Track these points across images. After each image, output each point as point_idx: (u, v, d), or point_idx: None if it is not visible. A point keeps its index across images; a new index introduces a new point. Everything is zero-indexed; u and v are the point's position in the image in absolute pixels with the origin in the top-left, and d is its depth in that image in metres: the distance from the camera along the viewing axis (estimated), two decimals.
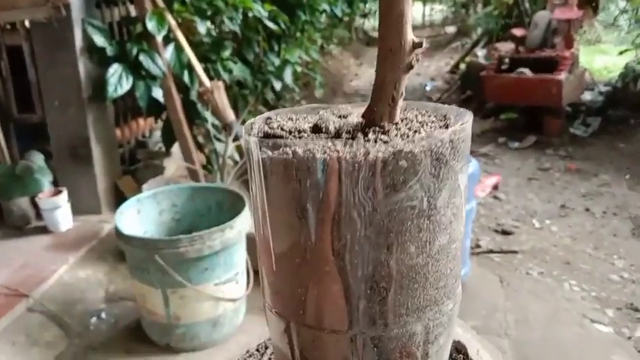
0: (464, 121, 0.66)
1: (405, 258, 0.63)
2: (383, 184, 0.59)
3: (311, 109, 0.79)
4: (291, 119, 0.73)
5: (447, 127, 0.66)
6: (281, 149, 0.61)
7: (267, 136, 0.67)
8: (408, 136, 0.61)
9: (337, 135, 0.64)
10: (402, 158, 0.58)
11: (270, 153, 0.61)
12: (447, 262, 0.67)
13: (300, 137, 0.66)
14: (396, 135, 0.62)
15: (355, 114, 0.72)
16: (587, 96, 6.34)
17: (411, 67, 0.63)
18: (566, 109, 5.74)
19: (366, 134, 0.62)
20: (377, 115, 0.65)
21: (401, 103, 0.66)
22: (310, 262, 0.64)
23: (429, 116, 0.71)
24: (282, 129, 0.68)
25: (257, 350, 0.97)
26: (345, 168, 0.58)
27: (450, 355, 0.89)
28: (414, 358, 0.69)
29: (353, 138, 0.61)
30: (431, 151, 0.60)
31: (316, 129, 0.67)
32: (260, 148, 0.63)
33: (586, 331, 2.51)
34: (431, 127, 0.66)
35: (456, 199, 0.65)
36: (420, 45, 0.63)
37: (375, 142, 0.59)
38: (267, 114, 0.75)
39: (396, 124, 0.65)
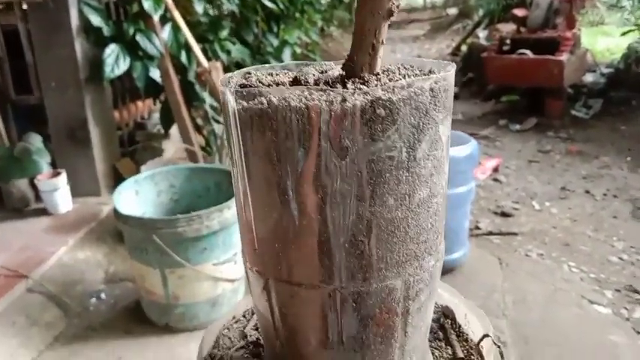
0: (445, 71, 0.65)
1: (384, 211, 0.62)
2: (361, 134, 0.58)
3: (294, 66, 0.78)
4: (271, 74, 0.72)
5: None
6: (256, 99, 0.59)
7: (243, 87, 0.65)
8: (386, 86, 0.59)
9: (316, 86, 0.63)
10: (379, 106, 0.57)
11: (245, 103, 0.60)
12: (428, 216, 0.66)
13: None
14: (376, 85, 0.61)
15: (337, 69, 0.70)
16: (588, 77, 6.29)
17: (391, 13, 0.61)
18: (568, 90, 5.70)
19: (344, 84, 0.61)
20: (357, 65, 0.64)
21: (381, 52, 0.64)
22: (288, 215, 0.63)
23: (413, 69, 0.70)
24: (260, 82, 0.67)
25: (243, 316, 0.97)
26: (321, 116, 0.57)
27: (438, 319, 0.89)
28: (394, 314, 0.68)
29: (331, 88, 0.60)
30: (410, 100, 0.58)
31: (295, 82, 0.66)
32: (235, 100, 0.61)
33: (584, 312, 2.51)
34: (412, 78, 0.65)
35: (437, 152, 0.64)
36: None
37: (354, 91, 0.58)
38: (246, 69, 0.74)
39: (377, 74, 0.64)
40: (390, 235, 0.64)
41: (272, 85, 0.66)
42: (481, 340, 0.84)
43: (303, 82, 0.65)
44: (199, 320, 2.33)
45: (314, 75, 0.67)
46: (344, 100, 0.57)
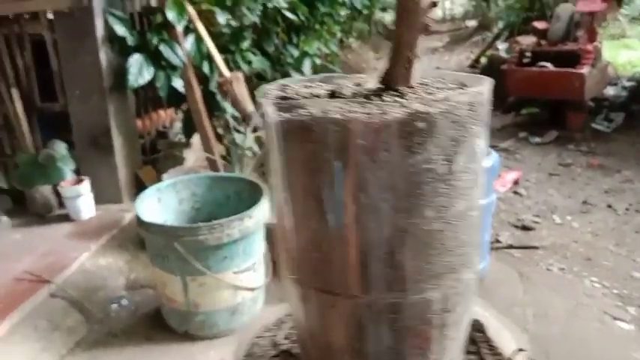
0: (482, 85, 0.66)
1: (422, 223, 0.62)
2: (399, 146, 0.59)
3: (326, 78, 0.79)
4: (307, 86, 0.73)
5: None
6: (296, 111, 0.60)
7: (282, 99, 0.66)
8: (424, 99, 0.60)
9: (355, 99, 0.63)
10: (419, 119, 0.57)
11: (285, 115, 0.61)
12: (465, 229, 0.66)
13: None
14: (414, 98, 0.61)
15: (371, 82, 0.71)
16: (610, 91, 6.23)
17: (426, 27, 0.62)
18: (589, 103, 5.65)
19: (382, 97, 0.62)
20: (393, 77, 0.65)
21: (417, 65, 0.65)
22: (326, 225, 0.63)
23: (447, 83, 0.70)
24: (297, 94, 0.68)
25: (274, 325, 0.98)
26: (361, 129, 0.57)
27: (469, 332, 0.88)
28: (431, 326, 0.68)
29: (370, 101, 0.60)
30: (449, 113, 0.59)
31: (332, 94, 0.67)
32: (276, 111, 0.62)
33: (607, 327, 2.47)
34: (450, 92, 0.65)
35: (474, 165, 0.64)
36: (434, 4, 0.63)
37: (393, 104, 0.59)
38: (282, 81, 0.75)
39: (413, 87, 0.65)
40: (428, 247, 0.64)
41: (310, 97, 0.67)
42: (515, 353, 0.84)
43: (339, 94, 0.66)
44: (219, 328, 2.33)
45: (350, 88, 0.68)
46: (384, 113, 0.58)
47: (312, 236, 0.67)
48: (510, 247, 3.21)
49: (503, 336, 0.90)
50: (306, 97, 0.68)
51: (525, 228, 3.46)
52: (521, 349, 0.84)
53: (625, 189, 4.09)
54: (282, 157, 0.65)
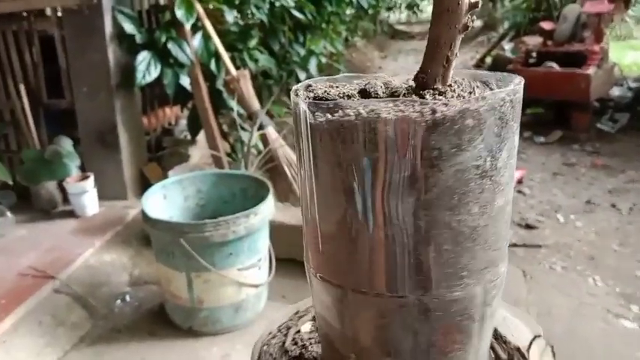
0: (518, 82, 0.68)
1: (469, 219, 0.63)
2: (449, 144, 0.60)
3: (347, 78, 0.79)
4: (332, 87, 0.73)
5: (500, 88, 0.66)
6: (340, 111, 0.61)
7: (318, 99, 0.67)
8: (464, 97, 0.62)
9: (403, 98, 0.64)
10: (469, 117, 0.59)
11: (326, 116, 0.61)
12: (503, 223, 0.68)
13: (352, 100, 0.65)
14: (452, 96, 0.63)
15: (397, 81, 0.72)
16: (615, 91, 6.22)
17: (466, 27, 0.63)
18: (594, 104, 5.64)
19: (421, 96, 0.62)
20: (430, 76, 0.65)
21: (454, 64, 0.66)
22: (367, 227, 0.64)
23: (475, 81, 0.71)
24: (328, 94, 0.69)
25: (279, 331, 0.98)
26: (411, 127, 0.58)
27: None
28: (473, 320, 0.69)
29: (412, 100, 0.61)
30: (494, 110, 0.60)
31: (365, 94, 0.67)
32: (313, 113, 0.63)
33: (610, 326, 2.48)
34: (481, 90, 0.67)
35: (512, 160, 0.66)
36: (476, 5, 0.63)
37: (441, 102, 0.60)
38: (305, 82, 0.75)
39: (450, 86, 0.65)
40: (474, 243, 0.65)
41: (343, 97, 0.68)
42: (532, 341, 0.85)
43: (373, 94, 0.67)
44: (222, 325, 2.35)
45: (381, 87, 0.69)
46: (434, 111, 0.59)
47: (348, 237, 0.67)
48: (514, 245, 3.21)
49: (514, 325, 0.91)
50: (341, 97, 0.68)
51: (529, 227, 3.46)
52: (537, 336, 0.85)
53: (629, 189, 4.08)
54: (319, 160, 0.66)
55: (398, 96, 0.64)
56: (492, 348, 0.85)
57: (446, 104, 0.58)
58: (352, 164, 0.61)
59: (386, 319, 0.68)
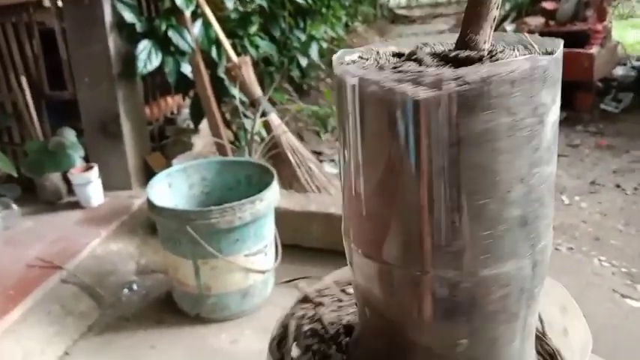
0: (558, 45, 0.69)
1: (523, 189, 0.64)
2: (504, 106, 0.60)
3: (381, 44, 0.79)
4: (374, 56, 0.74)
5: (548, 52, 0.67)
6: (406, 75, 0.61)
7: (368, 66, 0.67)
8: (517, 57, 0.63)
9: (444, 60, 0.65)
10: (539, 70, 0.60)
11: (387, 85, 0.61)
12: (550, 195, 0.68)
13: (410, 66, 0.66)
14: (510, 55, 0.64)
15: (438, 46, 0.73)
16: (619, 71, 6.17)
17: None
18: (598, 84, 5.60)
19: (480, 58, 0.64)
20: (480, 38, 0.66)
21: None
22: (417, 199, 0.64)
23: (515, 42, 0.73)
24: (378, 62, 0.70)
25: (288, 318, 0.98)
26: (467, 92, 0.59)
27: None
28: (531, 294, 0.69)
29: (471, 62, 0.62)
30: (545, 71, 0.61)
31: (414, 60, 0.68)
32: (364, 82, 0.63)
33: (617, 306, 2.48)
34: (526, 52, 0.68)
35: (556, 127, 0.67)
36: None
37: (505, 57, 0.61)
38: (343, 51, 0.76)
39: (494, 48, 0.67)
40: (535, 216, 0.66)
41: (396, 63, 0.69)
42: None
43: (421, 60, 0.67)
44: (230, 311, 2.36)
45: (428, 53, 0.70)
46: (509, 66, 0.59)
47: (398, 212, 0.67)
48: None
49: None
50: (394, 64, 0.69)
51: None
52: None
53: (634, 169, 4.07)
54: (365, 129, 0.66)
55: (450, 61, 0.65)
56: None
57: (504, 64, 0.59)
58: (403, 130, 0.61)
59: (428, 297, 0.69)
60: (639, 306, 2.48)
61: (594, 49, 5.09)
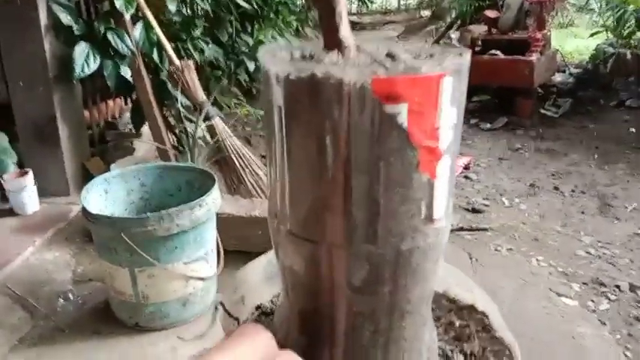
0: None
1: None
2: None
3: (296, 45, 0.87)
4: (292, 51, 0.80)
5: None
6: (310, 71, 0.66)
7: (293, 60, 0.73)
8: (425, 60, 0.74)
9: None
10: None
11: (299, 74, 0.66)
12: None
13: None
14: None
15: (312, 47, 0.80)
16: (558, 78, 6.42)
17: None
18: (538, 90, 5.80)
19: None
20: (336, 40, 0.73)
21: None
22: (336, 179, 0.70)
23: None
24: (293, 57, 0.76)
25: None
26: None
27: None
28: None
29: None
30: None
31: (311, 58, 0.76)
32: (287, 74, 0.68)
33: (553, 304, 2.56)
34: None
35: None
36: None
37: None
38: (269, 47, 0.83)
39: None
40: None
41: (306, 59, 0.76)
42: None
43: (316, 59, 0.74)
44: (170, 319, 2.30)
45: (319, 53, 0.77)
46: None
47: (316, 193, 0.73)
48: (461, 229, 3.27)
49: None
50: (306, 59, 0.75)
51: (475, 211, 3.54)
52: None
53: (571, 171, 4.23)
54: (287, 119, 0.71)
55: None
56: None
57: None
58: (316, 120, 0.67)
59: (336, 267, 0.74)
60: (574, 304, 2.57)
61: (534, 57, 5.26)
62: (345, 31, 0.73)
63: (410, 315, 0.82)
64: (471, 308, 1.01)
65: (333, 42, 0.74)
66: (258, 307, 1.02)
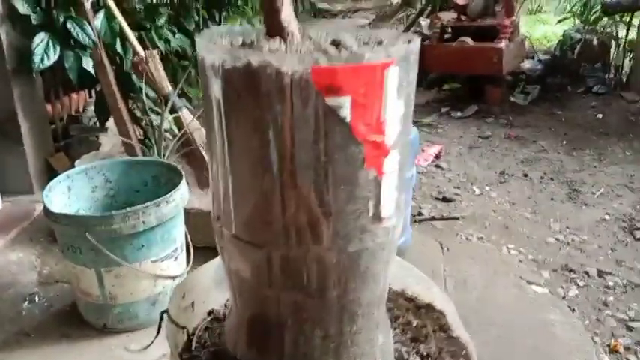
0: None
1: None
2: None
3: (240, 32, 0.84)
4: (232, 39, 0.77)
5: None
6: (248, 59, 0.63)
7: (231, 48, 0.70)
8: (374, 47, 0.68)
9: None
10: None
11: (236, 64, 0.63)
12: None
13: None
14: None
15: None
16: (526, 64, 6.47)
17: None
18: (507, 77, 5.84)
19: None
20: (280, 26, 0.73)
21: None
22: (289, 184, 0.67)
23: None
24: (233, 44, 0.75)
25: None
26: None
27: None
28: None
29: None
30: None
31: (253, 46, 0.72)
32: (222, 62, 0.64)
33: (523, 292, 2.59)
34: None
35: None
36: None
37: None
38: (207, 32, 0.78)
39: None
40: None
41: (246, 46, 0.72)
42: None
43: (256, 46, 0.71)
44: (139, 320, 2.25)
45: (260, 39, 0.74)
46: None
47: (264, 195, 0.71)
48: (432, 219, 3.28)
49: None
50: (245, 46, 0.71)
51: (446, 200, 3.55)
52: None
53: (540, 158, 4.27)
54: (225, 108, 0.67)
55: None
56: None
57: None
58: (255, 111, 0.63)
59: (297, 269, 0.73)
60: (543, 291, 2.60)
61: (503, 44, 5.28)
62: (287, 15, 0.69)
63: (361, 318, 0.80)
64: (429, 307, 1.00)
65: (274, 27, 0.69)
66: (210, 313, 0.99)
